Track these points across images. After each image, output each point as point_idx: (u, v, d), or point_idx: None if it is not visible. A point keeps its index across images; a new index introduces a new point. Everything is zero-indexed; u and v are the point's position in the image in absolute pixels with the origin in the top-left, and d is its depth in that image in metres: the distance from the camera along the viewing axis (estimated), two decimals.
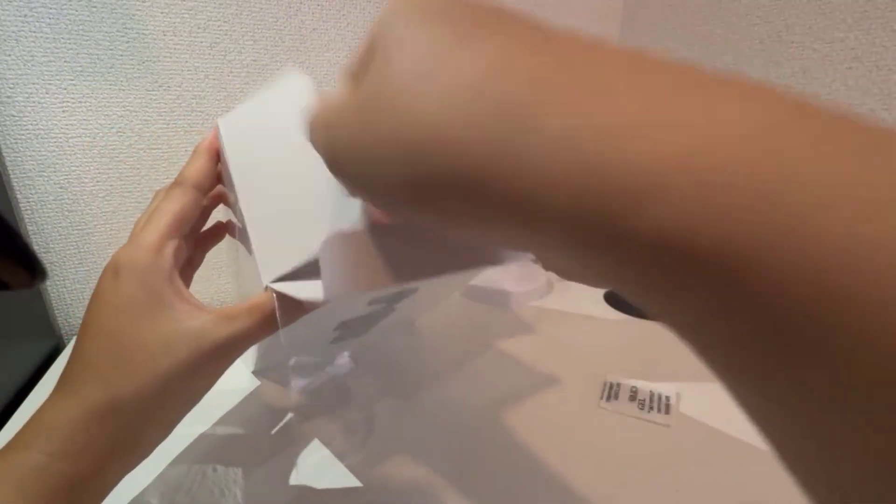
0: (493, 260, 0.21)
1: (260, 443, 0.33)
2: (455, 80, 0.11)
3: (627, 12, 0.68)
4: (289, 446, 0.32)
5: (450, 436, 0.33)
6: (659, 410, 0.35)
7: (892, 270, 0.07)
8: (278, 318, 0.22)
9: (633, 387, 0.38)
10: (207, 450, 0.32)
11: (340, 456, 0.31)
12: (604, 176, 0.09)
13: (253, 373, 0.40)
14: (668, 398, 0.37)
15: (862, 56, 0.42)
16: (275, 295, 0.22)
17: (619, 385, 0.38)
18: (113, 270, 0.22)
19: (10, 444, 0.20)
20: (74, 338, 0.23)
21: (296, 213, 0.23)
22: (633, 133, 0.09)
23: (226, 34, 0.49)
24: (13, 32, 0.42)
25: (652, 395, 0.37)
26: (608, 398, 0.37)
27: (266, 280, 0.22)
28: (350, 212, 0.21)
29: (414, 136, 0.11)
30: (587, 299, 0.57)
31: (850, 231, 0.07)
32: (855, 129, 0.08)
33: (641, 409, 0.36)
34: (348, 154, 0.13)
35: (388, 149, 0.12)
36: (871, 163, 0.08)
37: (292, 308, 0.22)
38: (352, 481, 0.29)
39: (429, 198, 0.11)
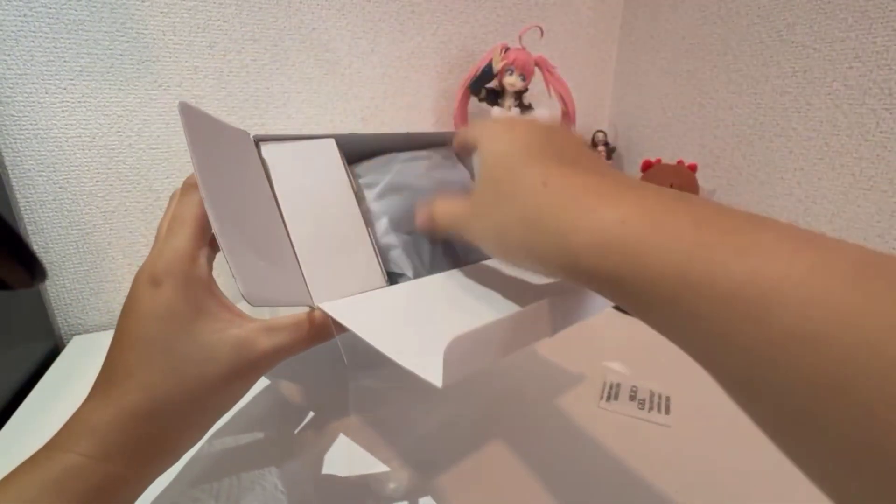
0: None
1: (270, 444, 0.33)
2: (600, 226, 0.17)
3: (627, 12, 0.68)
4: (297, 447, 0.32)
5: (449, 435, 0.33)
6: (659, 410, 0.35)
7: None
8: (335, 336, 0.25)
9: (633, 387, 0.38)
10: (217, 454, 0.32)
11: (342, 457, 0.31)
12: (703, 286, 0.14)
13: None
14: (668, 398, 0.37)
15: (862, 56, 0.42)
16: (330, 318, 0.24)
17: (619, 385, 0.38)
18: (151, 280, 0.22)
19: (48, 446, 0.20)
20: (100, 342, 0.23)
21: (335, 247, 0.27)
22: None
23: (226, 34, 0.49)
24: (13, 32, 0.42)
25: (652, 395, 0.37)
26: (608, 398, 0.37)
27: (317, 301, 0.24)
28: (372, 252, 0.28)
29: (570, 261, 0.18)
30: None
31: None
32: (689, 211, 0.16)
33: (641, 408, 0.36)
34: (493, 248, 0.22)
35: (544, 264, 0.19)
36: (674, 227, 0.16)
37: (339, 329, 0.24)
38: (352, 481, 0.29)
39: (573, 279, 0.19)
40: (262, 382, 0.39)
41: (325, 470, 0.30)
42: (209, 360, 0.22)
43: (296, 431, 0.34)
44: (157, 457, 0.22)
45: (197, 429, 0.23)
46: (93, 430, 0.20)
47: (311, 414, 0.35)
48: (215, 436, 0.33)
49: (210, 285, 0.24)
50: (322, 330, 0.25)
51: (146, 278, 0.22)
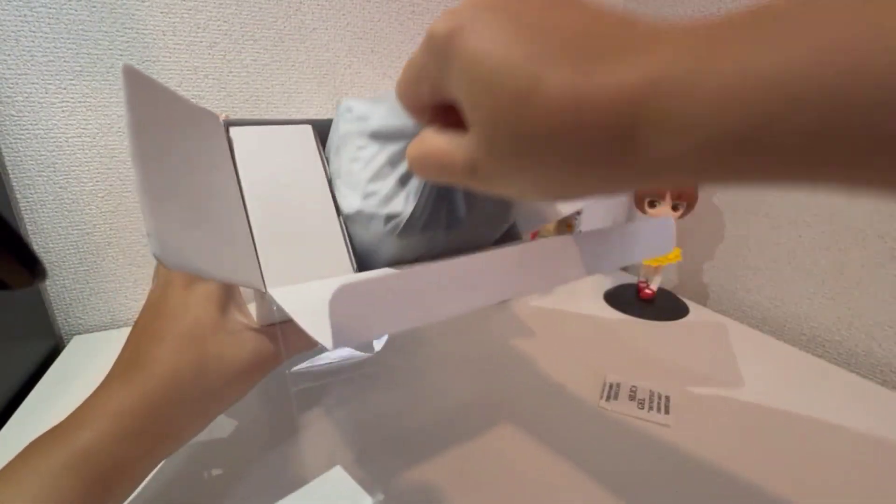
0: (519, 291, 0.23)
1: (257, 437, 0.33)
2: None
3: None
4: (285, 441, 0.32)
5: (450, 435, 0.33)
6: (659, 410, 0.35)
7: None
8: (279, 331, 0.26)
9: (633, 387, 0.38)
10: (205, 443, 0.32)
11: (338, 454, 0.31)
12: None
13: None
14: (667, 398, 0.37)
15: None
16: (275, 302, 0.23)
17: (619, 385, 0.38)
18: (184, 283, 0.26)
19: (64, 424, 0.21)
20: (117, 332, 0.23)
21: (299, 232, 0.26)
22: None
23: (225, 34, 0.49)
24: (13, 32, 0.42)
25: (652, 394, 0.37)
26: (608, 398, 0.37)
27: (269, 285, 0.24)
28: (343, 250, 0.26)
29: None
30: (587, 299, 0.57)
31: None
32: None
33: (641, 408, 0.36)
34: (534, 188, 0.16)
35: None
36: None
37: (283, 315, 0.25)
38: (350, 480, 0.29)
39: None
40: None
41: (311, 469, 0.30)
42: (232, 356, 0.24)
43: (270, 425, 0.34)
44: (167, 442, 0.23)
45: (205, 419, 0.25)
46: (114, 412, 0.21)
47: (290, 408, 0.35)
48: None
49: (234, 291, 0.27)
50: None
51: (179, 282, 0.26)
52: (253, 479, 0.29)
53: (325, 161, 0.29)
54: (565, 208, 0.36)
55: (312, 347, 0.27)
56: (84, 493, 0.20)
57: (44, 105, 0.44)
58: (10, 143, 0.44)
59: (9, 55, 0.42)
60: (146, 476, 0.23)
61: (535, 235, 0.57)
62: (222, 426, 0.34)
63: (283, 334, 0.26)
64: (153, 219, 0.19)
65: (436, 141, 0.18)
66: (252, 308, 0.29)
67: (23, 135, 0.44)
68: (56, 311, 0.50)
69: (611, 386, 0.38)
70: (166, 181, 0.21)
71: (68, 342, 0.48)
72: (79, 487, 0.19)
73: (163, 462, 0.24)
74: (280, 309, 0.21)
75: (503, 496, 0.28)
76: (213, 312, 0.25)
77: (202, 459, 0.31)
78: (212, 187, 0.24)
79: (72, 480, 0.19)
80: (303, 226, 0.26)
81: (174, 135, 0.23)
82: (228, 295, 0.26)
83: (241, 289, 0.28)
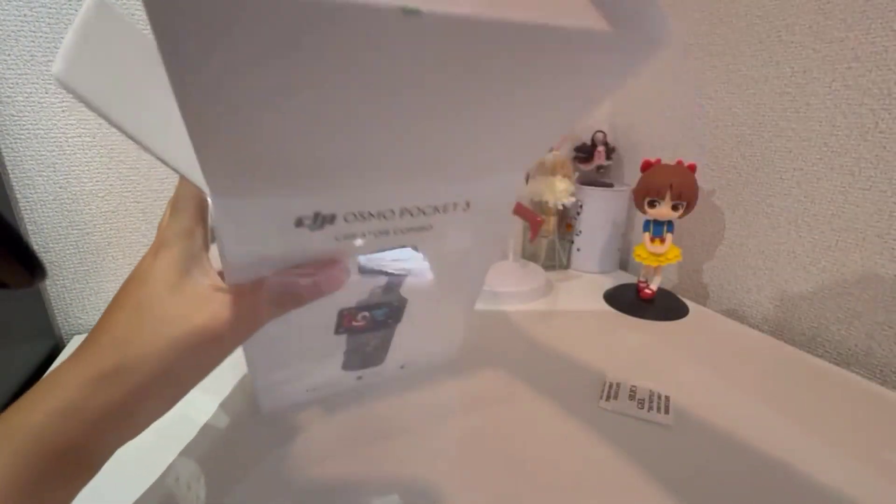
0: None
1: (242, 447, 0.33)
2: None
3: None
4: (275, 448, 0.32)
5: (449, 435, 0.33)
6: (659, 410, 0.35)
7: None
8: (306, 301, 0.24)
9: (633, 386, 0.38)
10: (185, 456, 0.32)
11: (335, 455, 0.31)
12: None
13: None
14: (667, 398, 0.37)
15: (861, 56, 0.42)
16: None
17: (618, 385, 0.38)
18: (153, 252, 0.24)
19: (17, 404, 0.20)
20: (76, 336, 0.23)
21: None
22: None
23: None
24: (13, 32, 0.42)
25: (652, 394, 0.37)
26: (608, 398, 0.37)
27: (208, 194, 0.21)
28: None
29: None
30: (587, 299, 0.57)
31: None
32: None
33: (641, 408, 0.36)
34: None
35: None
36: None
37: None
38: (349, 481, 0.29)
39: None
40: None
41: (307, 473, 0.30)
42: (183, 318, 0.22)
43: (257, 435, 0.34)
44: (118, 423, 0.22)
45: (161, 400, 0.23)
46: (60, 386, 0.20)
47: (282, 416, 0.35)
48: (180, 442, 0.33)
49: (201, 259, 0.24)
50: (290, 292, 0.24)
51: (150, 251, 0.24)
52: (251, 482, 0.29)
53: None
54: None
55: (286, 305, 0.24)
56: (37, 475, 0.19)
57: (44, 105, 0.44)
58: (10, 142, 0.44)
59: (9, 55, 0.42)
60: (103, 462, 0.22)
61: (537, 225, 0.57)
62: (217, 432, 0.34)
63: (253, 292, 0.23)
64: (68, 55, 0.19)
65: None
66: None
67: (23, 135, 0.44)
68: (56, 311, 0.50)
69: (611, 386, 0.38)
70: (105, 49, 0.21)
71: (68, 342, 0.48)
72: (29, 469, 0.19)
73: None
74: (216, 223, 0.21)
75: (503, 496, 0.28)
76: (173, 276, 0.23)
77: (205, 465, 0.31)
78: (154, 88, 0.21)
79: (19, 464, 0.19)
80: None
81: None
82: (193, 259, 0.24)
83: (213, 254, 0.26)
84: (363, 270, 0.28)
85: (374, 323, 0.33)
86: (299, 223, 0.23)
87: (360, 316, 0.32)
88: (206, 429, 0.34)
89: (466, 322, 0.40)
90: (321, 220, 0.24)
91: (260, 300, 0.23)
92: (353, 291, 0.29)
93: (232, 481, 0.29)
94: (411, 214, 0.26)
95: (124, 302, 0.23)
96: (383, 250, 0.27)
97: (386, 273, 0.29)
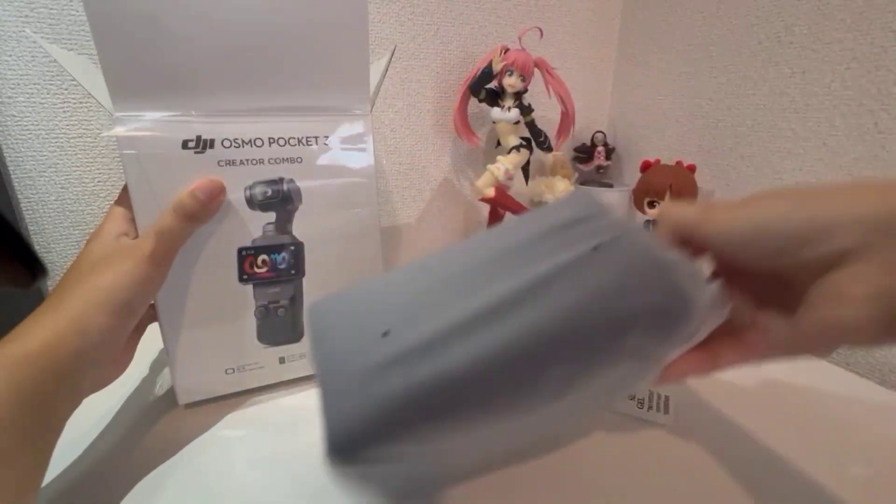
0: None
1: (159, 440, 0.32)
2: None
3: (626, 13, 0.68)
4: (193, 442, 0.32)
5: None
6: (659, 410, 0.35)
7: None
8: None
9: None
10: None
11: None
12: None
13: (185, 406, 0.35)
14: (667, 398, 0.37)
15: (860, 57, 0.42)
16: None
17: None
18: (97, 234, 0.29)
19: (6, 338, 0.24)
20: None
21: None
22: None
23: None
24: (14, 32, 0.42)
25: (652, 394, 0.37)
26: None
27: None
28: None
29: None
30: None
31: None
32: None
33: (641, 408, 0.36)
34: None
35: None
36: None
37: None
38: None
39: None
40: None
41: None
42: (106, 266, 0.26)
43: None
44: (62, 382, 0.25)
45: (107, 343, 0.26)
46: (12, 356, 0.24)
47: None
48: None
49: (119, 230, 0.29)
50: (202, 205, 0.29)
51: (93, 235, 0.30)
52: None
53: None
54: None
55: (189, 213, 0.29)
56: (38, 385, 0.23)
57: (45, 106, 0.45)
58: (12, 143, 0.44)
59: (10, 56, 0.43)
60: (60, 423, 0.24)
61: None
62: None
63: (161, 215, 0.28)
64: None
65: None
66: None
67: (24, 135, 0.45)
68: None
69: None
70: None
71: None
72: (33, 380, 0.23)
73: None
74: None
75: (501, 495, 0.28)
76: (108, 240, 0.28)
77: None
78: None
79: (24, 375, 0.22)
80: None
81: None
82: (115, 231, 0.29)
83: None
84: (250, 202, 0.32)
85: (276, 270, 0.34)
86: (185, 145, 0.29)
87: (259, 259, 0.33)
88: (117, 421, 0.33)
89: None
90: (203, 144, 0.30)
91: (168, 220, 0.28)
92: (246, 229, 0.32)
93: (142, 477, 0.28)
94: (279, 145, 0.32)
95: (70, 272, 0.27)
96: (261, 178, 0.32)
97: (269, 198, 0.32)
